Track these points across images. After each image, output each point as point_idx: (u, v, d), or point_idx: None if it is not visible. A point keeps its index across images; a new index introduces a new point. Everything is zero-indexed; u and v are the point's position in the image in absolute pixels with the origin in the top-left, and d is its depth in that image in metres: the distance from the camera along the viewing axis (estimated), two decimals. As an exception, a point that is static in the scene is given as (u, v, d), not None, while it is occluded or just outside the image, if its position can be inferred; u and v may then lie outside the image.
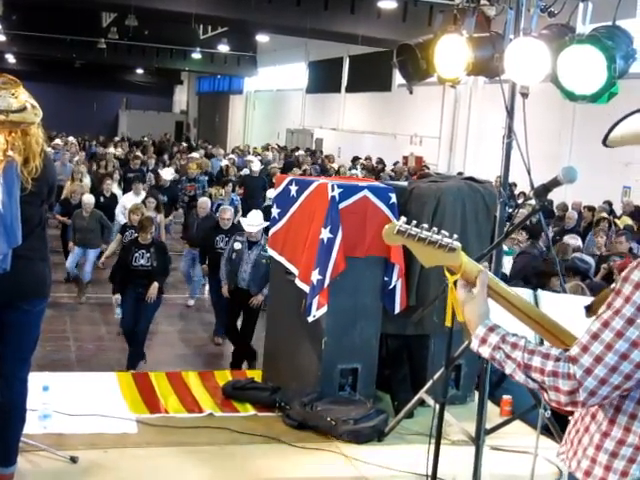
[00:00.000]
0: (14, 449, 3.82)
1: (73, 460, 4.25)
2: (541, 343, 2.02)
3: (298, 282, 5.29)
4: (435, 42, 4.44)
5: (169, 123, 40.15)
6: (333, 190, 5.13)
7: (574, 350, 1.87)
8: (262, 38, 26.97)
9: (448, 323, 2.28)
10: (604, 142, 2.15)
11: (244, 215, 9.25)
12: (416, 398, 4.82)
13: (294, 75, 29.65)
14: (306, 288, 5.17)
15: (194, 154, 20.26)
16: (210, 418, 5.19)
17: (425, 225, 2.12)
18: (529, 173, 3.97)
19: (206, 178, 15.38)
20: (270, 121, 32.30)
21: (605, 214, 12.22)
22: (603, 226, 10.77)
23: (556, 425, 4.22)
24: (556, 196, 11.96)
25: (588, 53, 3.71)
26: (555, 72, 3.86)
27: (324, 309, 5.11)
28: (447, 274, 2.16)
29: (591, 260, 7.83)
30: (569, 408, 1.90)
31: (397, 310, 5.37)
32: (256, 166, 15.34)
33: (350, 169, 19.37)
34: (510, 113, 4.22)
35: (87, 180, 13.81)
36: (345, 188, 5.21)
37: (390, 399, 5.58)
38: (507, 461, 4.74)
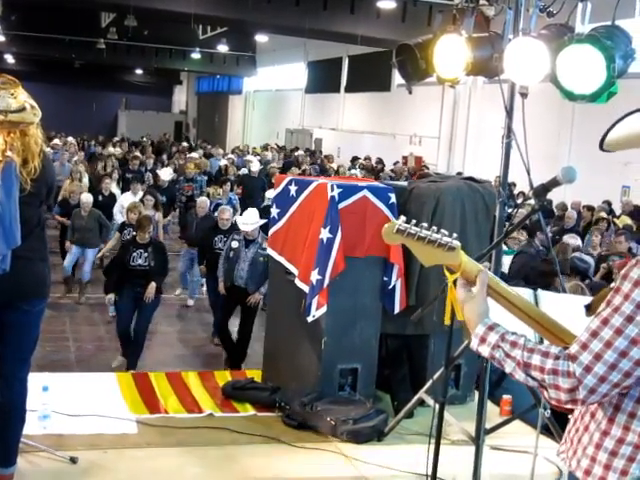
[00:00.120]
0: (14, 449, 3.82)
1: (73, 460, 4.25)
2: (541, 342, 2.02)
3: (298, 282, 5.29)
4: (434, 42, 4.44)
5: (168, 123, 40.12)
6: (332, 190, 5.13)
7: (574, 348, 1.87)
8: (261, 38, 26.96)
9: (447, 322, 2.28)
10: (601, 147, 2.15)
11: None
12: (416, 398, 4.82)
13: (293, 75, 29.65)
14: (306, 288, 5.17)
15: (193, 154, 20.26)
16: (210, 418, 5.20)
17: (424, 224, 2.12)
18: (528, 173, 3.97)
19: (205, 178, 15.38)
20: (269, 121, 32.30)
21: (604, 214, 12.23)
22: (602, 226, 10.78)
23: (556, 425, 4.22)
24: (555, 196, 11.95)
25: (587, 53, 3.71)
26: (554, 72, 3.86)
27: (324, 309, 5.11)
28: (446, 273, 2.16)
29: (590, 260, 7.83)
30: (569, 406, 1.90)
31: (397, 310, 5.37)
32: (255, 166, 15.33)
33: (349, 169, 19.37)
34: (509, 113, 4.22)
35: (85, 180, 13.80)
36: (344, 188, 5.21)
37: (390, 399, 5.59)
38: (507, 461, 4.75)
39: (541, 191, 3.38)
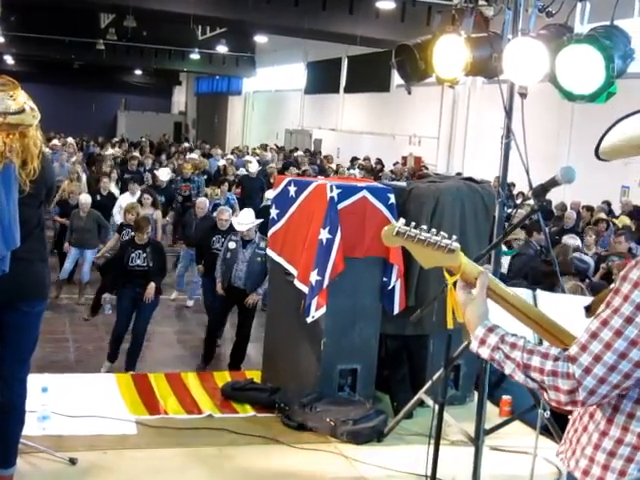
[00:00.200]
0: (13, 450, 3.82)
1: (72, 461, 4.25)
2: (540, 343, 2.01)
3: (297, 283, 5.29)
4: (433, 42, 4.44)
5: (168, 124, 40.10)
6: (332, 191, 5.13)
7: (573, 349, 1.87)
8: (260, 39, 26.96)
9: (450, 325, 2.28)
10: (597, 155, 2.14)
11: (240, 215, 9.24)
12: (415, 398, 4.82)
13: (293, 76, 29.65)
14: (305, 289, 5.17)
15: (193, 155, 20.25)
16: (209, 419, 5.19)
17: (424, 226, 2.12)
18: (528, 173, 3.97)
19: (204, 178, 15.36)
20: (269, 122, 32.29)
21: (603, 214, 12.23)
22: (601, 226, 10.77)
23: (555, 425, 4.22)
24: (555, 196, 11.95)
25: (586, 53, 3.72)
26: (553, 72, 3.86)
27: (323, 310, 5.11)
28: (446, 275, 2.16)
29: (590, 260, 7.83)
30: (569, 407, 1.90)
31: (396, 310, 5.37)
32: (253, 167, 15.31)
33: (348, 169, 19.37)
34: (509, 113, 4.22)
35: (83, 180, 13.78)
36: (344, 189, 5.21)
37: (389, 399, 5.59)
38: (506, 461, 4.75)
39: (540, 191, 3.38)
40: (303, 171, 16.59)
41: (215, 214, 9.31)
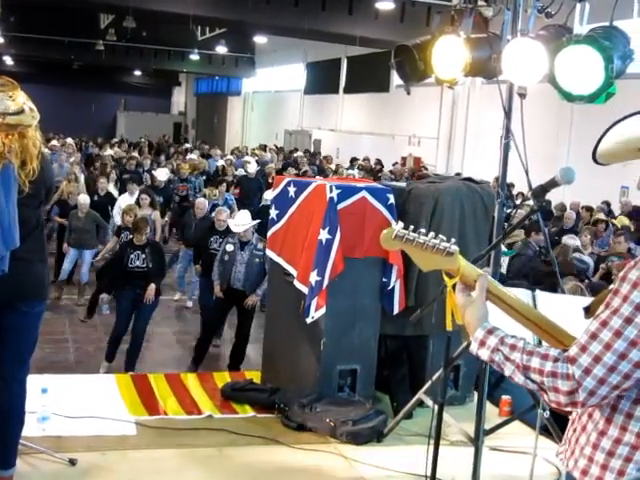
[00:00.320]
0: (13, 451, 3.82)
1: (72, 462, 4.25)
2: (539, 344, 2.02)
3: (297, 283, 5.29)
4: (433, 43, 4.44)
5: (167, 124, 40.10)
6: (331, 191, 5.13)
7: (573, 350, 1.87)
8: (260, 39, 26.95)
9: (449, 327, 2.28)
10: (594, 159, 2.15)
11: (238, 216, 9.22)
12: (415, 399, 4.82)
13: (292, 76, 29.65)
14: (305, 289, 5.17)
15: (193, 155, 20.25)
16: (209, 420, 5.19)
17: (423, 230, 2.13)
18: (527, 174, 3.97)
19: (202, 178, 15.34)
20: (268, 122, 32.29)
21: (602, 215, 12.23)
22: (600, 227, 10.77)
23: (555, 425, 4.23)
24: (554, 196, 11.95)
25: (585, 53, 3.72)
26: (553, 73, 3.86)
27: (323, 310, 5.10)
28: (445, 278, 2.16)
29: (589, 260, 7.84)
30: (569, 408, 1.90)
31: (396, 311, 5.37)
32: (252, 167, 15.31)
33: (347, 169, 19.38)
34: (508, 114, 4.22)
35: (81, 180, 13.77)
36: (343, 189, 5.21)
37: (389, 400, 5.58)
38: (506, 461, 4.75)
39: (540, 192, 3.39)
40: (304, 172, 16.60)
41: (213, 214, 9.31)
